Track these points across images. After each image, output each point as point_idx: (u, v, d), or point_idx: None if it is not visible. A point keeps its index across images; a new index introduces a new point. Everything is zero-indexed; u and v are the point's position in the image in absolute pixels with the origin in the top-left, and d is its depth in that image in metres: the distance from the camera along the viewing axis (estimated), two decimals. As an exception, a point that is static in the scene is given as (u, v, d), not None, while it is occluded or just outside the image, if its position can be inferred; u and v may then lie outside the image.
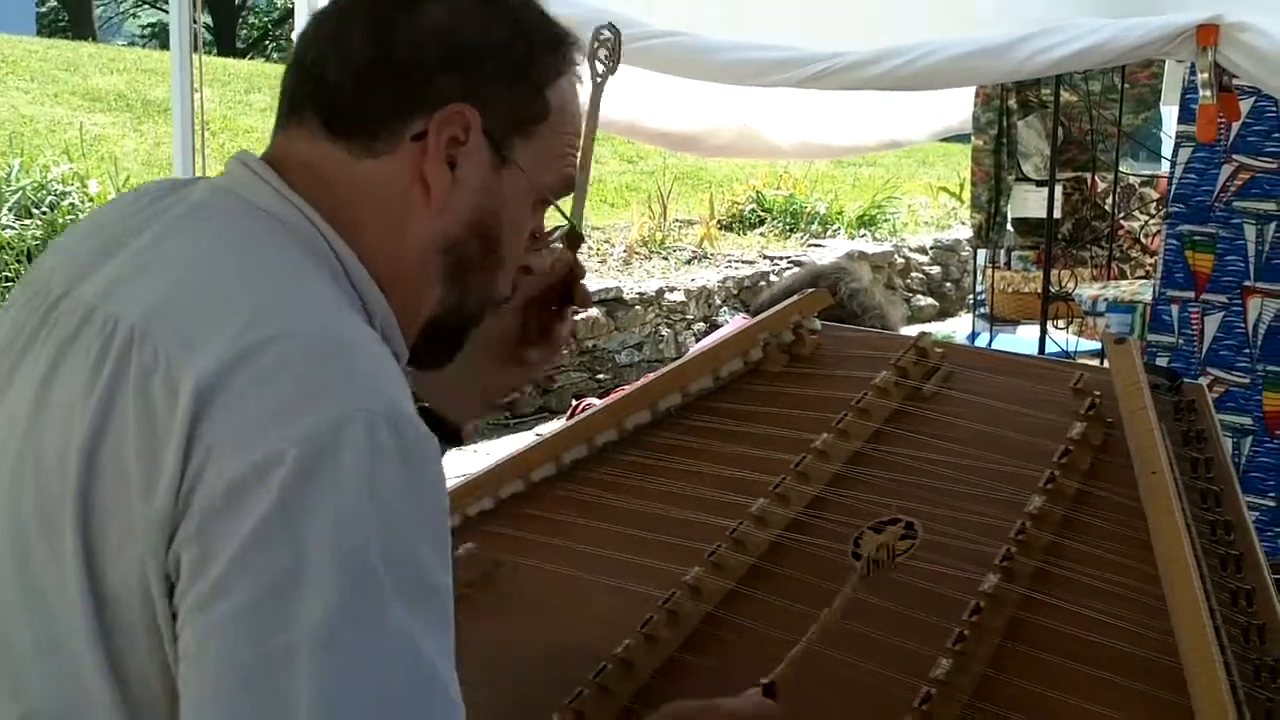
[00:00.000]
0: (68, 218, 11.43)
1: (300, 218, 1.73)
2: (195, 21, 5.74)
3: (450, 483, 2.61)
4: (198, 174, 5.60)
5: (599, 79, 2.22)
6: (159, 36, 37.22)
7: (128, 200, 1.87)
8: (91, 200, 11.85)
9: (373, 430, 1.51)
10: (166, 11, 7.50)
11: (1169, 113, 8.54)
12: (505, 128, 1.81)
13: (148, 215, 1.78)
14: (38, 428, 1.64)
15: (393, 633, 1.49)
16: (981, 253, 9.68)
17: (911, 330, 3.03)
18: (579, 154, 1.96)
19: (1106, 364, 2.58)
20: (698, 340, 11.87)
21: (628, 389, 2.89)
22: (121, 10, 42.43)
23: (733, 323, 4.85)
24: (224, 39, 36.29)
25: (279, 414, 1.50)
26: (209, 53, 27.29)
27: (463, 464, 9.50)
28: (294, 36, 1.90)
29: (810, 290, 2.96)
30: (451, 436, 2.19)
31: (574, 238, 2.24)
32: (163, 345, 1.57)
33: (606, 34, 2.33)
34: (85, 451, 1.57)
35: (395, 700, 1.49)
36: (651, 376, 2.85)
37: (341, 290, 1.72)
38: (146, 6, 40.98)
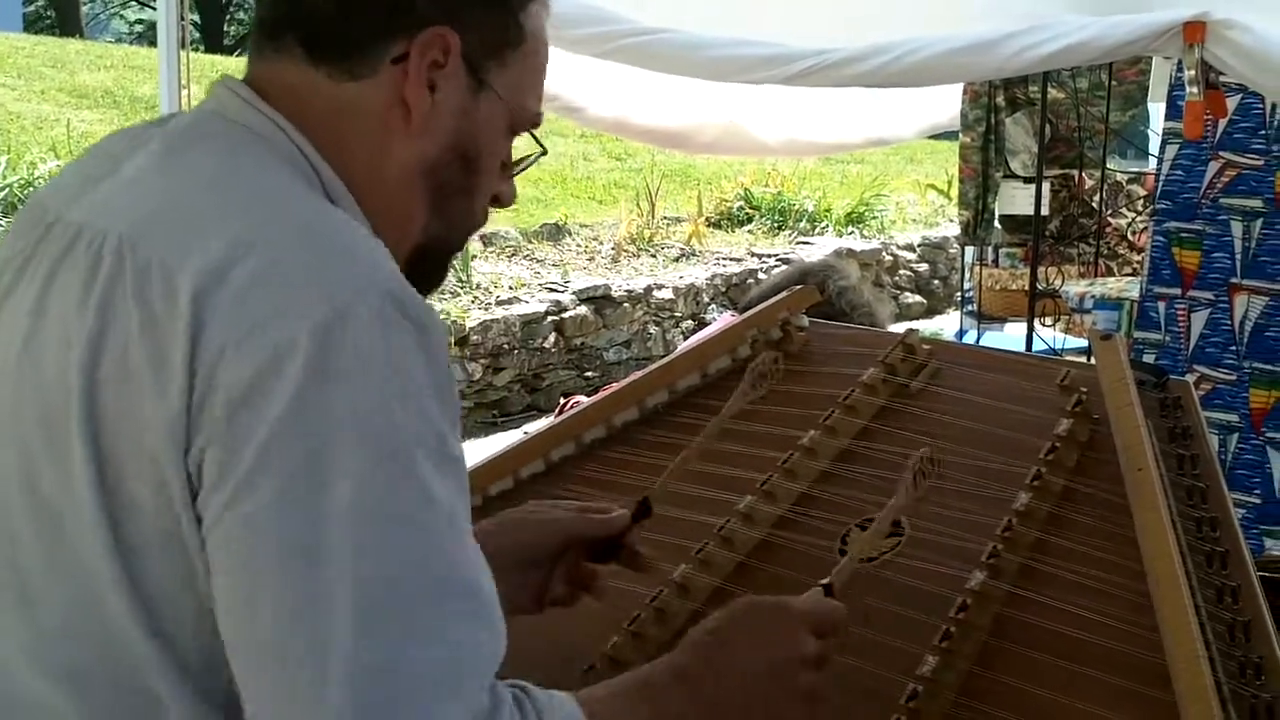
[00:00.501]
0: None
1: (278, 132, 1.76)
2: (184, 19, 5.73)
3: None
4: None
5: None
6: (146, 34, 37.19)
7: (119, 134, 1.91)
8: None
9: (380, 308, 1.54)
10: (154, 9, 7.50)
11: (1155, 109, 8.55)
12: (483, 52, 1.84)
13: (135, 143, 1.82)
14: (35, 346, 1.66)
15: (427, 499, 1.53)
16: (969, 250, 9.69)
17: (899, 327, 3.03)
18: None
19: (1093, 361, 2.58)
20: (686, 338, 11.88)
21: (616, 386, 2.89)
22: (109, 7, 42.38)
23: (720, 320, 4.85)
24: (211, 36, 36.28)
25: (284, 303, 1.53)
26: (196, 50, 27.27)
27: (451, 461, 9.52)
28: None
29: (798, 287, 2.97)
30: None
31: (644, 509, 2.26)
32: (155, 251, 1.59)
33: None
34: (86, 362, 1.59)
35: (439, 564, 1.53)
36: (640, 374, 2.85)
37: (318, 196, 1.75)
38: (134, 4, 40.93)
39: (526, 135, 1.98)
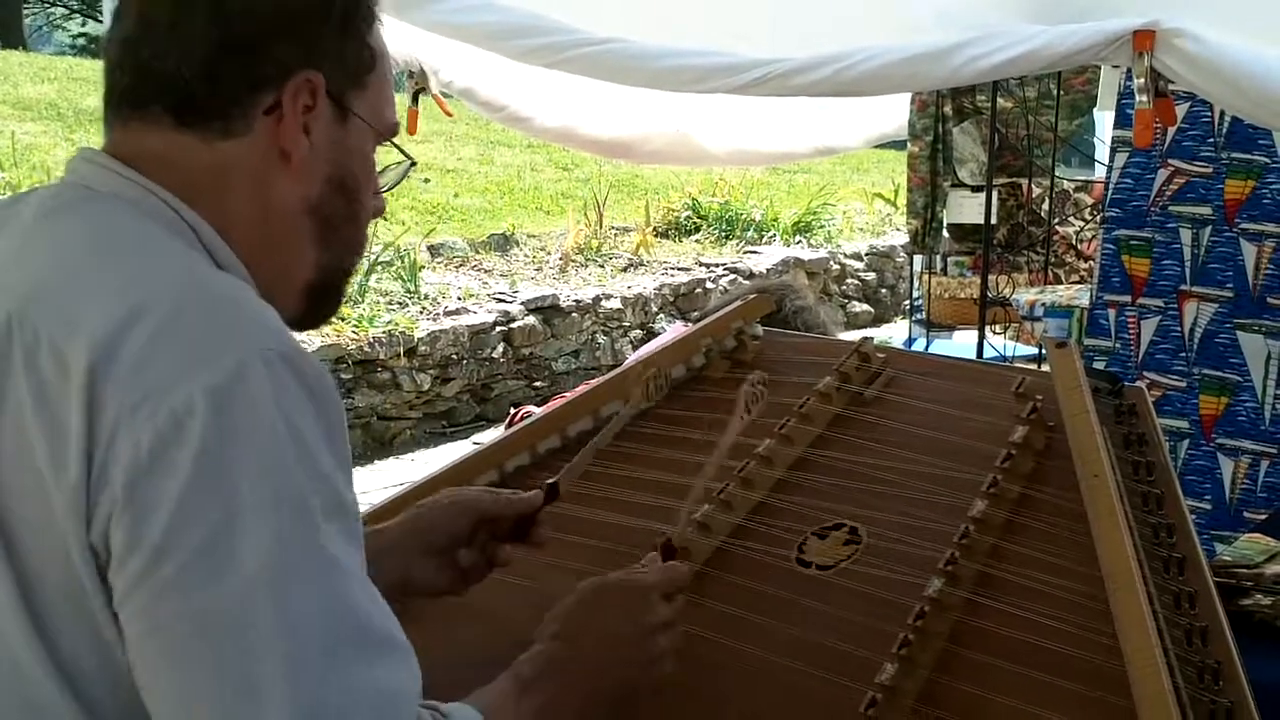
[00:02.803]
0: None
1: (147, 195, 1.75)
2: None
3: (391, 491, 2.62)
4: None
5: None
6: (89, 46, 37.03)
7: None
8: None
9: (272, 368, 1.56)
10: (98, 21, 7.44)
11: (1101, 118, 8.59)
12: (343, 83, 1.86)
13: (2, 220, 1.80)
14: None
15: (330, 554, 1.55)
16: (918, 258, 9.71)
17: (851, 336, 3.03)
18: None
19: (1045, 368, 2.59)
20: (635, 348, 11.87)
21: (568, 396, 2.88)
22: (51, 20, 42.18)
23: (671, 330, 4.84)
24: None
25: (177, 369, 1.53)
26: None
27: (404, 473, 9.44)
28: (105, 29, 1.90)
29: (752, 296, 2.97)
30: None
31: (552, 491, 2.29)
32: (42, 324, 1.59)
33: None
34: None
35: (349, 611, 1.55)
36: (593, 384, 2.84)
37: (198, 255, 1.74)
38: (77, 17, 40.75)
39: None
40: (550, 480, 2.29)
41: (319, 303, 1.93)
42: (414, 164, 2.06)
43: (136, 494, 1.50)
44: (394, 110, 1.96)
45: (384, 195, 2.01)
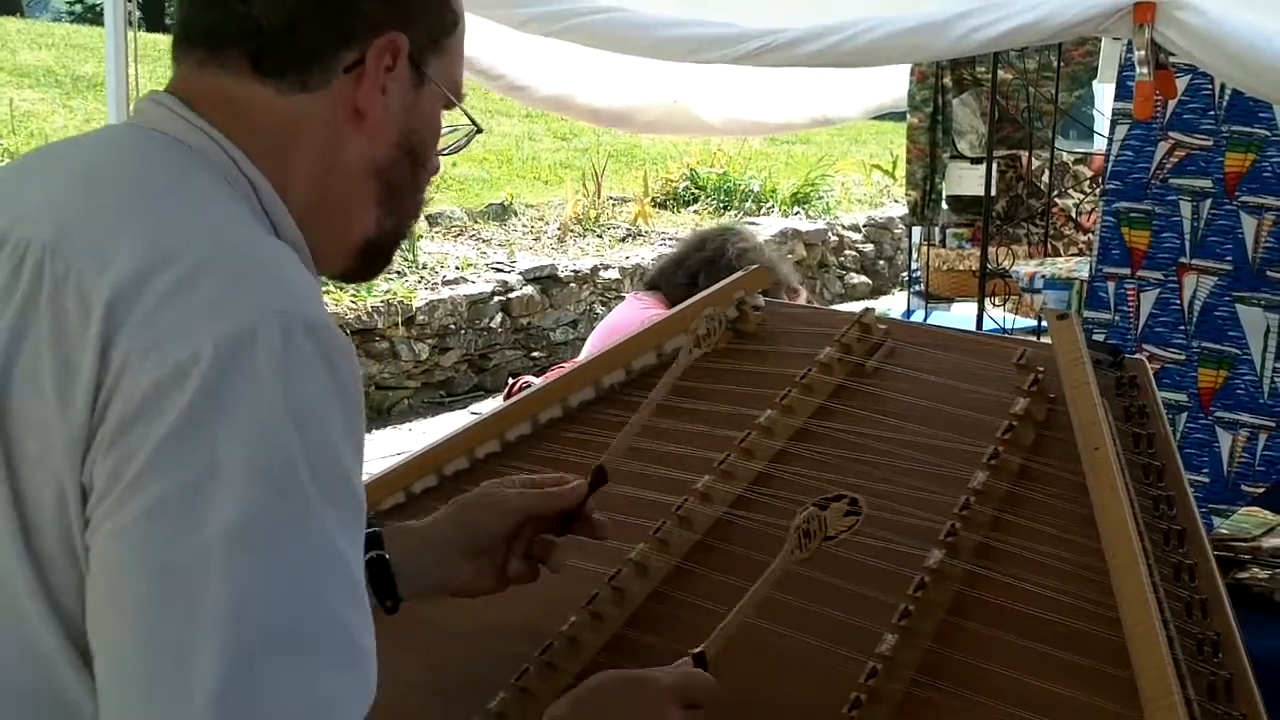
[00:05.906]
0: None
1: (211, 144, 1.74)
2: (130, -1, 5.70)
3: (392, 461, 2.61)
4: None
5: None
6: (85, 13, 36.95)
7: (47, 146, 1.89)
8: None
9: (288, 333, 1.52)
10: (97, -13, 7.43)
11: (1100, 90, 8.60)
12: (425, 47, 1.84)
13: (59, 153, 1.83)
14: None
15: (314, 534, 1.49)
16: (916, 230, 9.73)
17: (846, 308, 3.03)
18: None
19: (1045, 340, 2.59)
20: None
21: (567, 366, 2.87)
22: (49, -14, 42.08)
23: (630, 300, 4.80)
24: (152, 15, 36.01)
25: (193, 319, 1.50)
26: (139, 29, 27.07)
27: (402, 442, 9.43)
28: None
29: (754, 267, 2.96)
30: (391, 601, 2.12)
31: (600, 477, 2.25)
32: (74, 260, 1.57)
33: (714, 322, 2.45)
34: (0, 369, 1.57)
35: (311, 602, 1.48)
36: (594, 353, 2.84)
37: (253, 212, 1.73)
38: (74, -18, 40.67)
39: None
40: (596, 466, 2.27)
41: (372, 259, 1.92)
42: (480, 129, 2.02)
43: (125, 434, 1.47)
44: (460, 72, 1.93)
45: (440, 158, 1.98)
